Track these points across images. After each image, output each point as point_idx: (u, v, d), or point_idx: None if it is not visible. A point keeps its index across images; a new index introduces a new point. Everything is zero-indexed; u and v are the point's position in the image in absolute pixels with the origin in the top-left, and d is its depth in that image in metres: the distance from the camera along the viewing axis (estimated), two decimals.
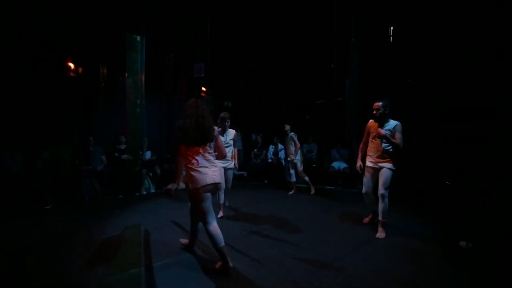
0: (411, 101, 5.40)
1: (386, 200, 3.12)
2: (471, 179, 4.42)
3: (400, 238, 3.05)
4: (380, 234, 3.14)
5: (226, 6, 7.29)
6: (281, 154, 7.08)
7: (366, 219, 3.64)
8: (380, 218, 3.17)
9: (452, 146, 4.74)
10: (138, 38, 5.42)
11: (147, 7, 5.82)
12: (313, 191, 5.56)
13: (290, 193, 5.61)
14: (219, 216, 3.78)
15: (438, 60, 5.24)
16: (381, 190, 3.11)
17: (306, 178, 5.58)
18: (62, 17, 5.26)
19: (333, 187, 6.24)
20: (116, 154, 5.59)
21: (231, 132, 3.87)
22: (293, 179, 5.60)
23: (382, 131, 3.10)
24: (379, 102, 3.18)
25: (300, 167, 5.52)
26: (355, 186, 6.05)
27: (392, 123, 3.16)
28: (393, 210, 4.02)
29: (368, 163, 3.29)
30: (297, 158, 5.42)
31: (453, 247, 2.68)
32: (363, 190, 3.36)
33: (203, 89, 7.55)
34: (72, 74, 5.65)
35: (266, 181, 7.14)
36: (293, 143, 5.34)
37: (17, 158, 4.67)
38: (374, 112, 3.22)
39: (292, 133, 5.37)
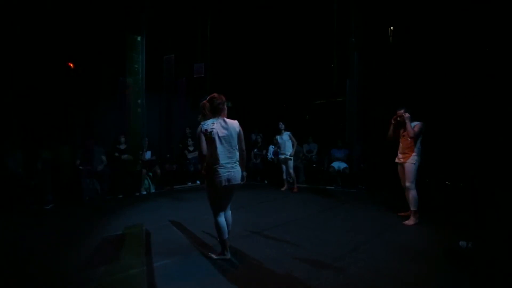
0: (411, 101, 5.40)
1: (413, 192, 3.48)
2: (472, 179, 4.43)
3: (400, 238, 3.05)
4: (408, 221, 3.50)
5: (226, 6, 7.30)
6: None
7: (403, 213, 3.84)
8: (411, 207, 3.51)
9: (453, 146, 4.75)
10: (138, 38, 5.42)
11: (147, 7, 5.83)
12: (296, 190, 5.84)
13: (294, 191, 5.76)
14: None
15: (438, 60, 5.24)
16: (406, 183, 3.53)
17: (293, 176, 5.87)
18: (62, 17, 5.26)
19: (333, 187, 6.24)
20: (116, 154, 5.59)
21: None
22: (292, 175, 5.86)
23: (406, 115, 3.51)
24: (401, 109, 3.58)
25: (292, 165, 5.82)
26: (355, 186, 6.06)
27: (412, 124, 3.52)
28: (393, 210, 4.03)
29: (396, 160, 3.72)
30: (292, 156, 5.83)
31: (453, 247, 2.68)
32: (401, 183, 3.73)
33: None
34: (72, 74, 5.65)
35: (266, 181, 7.15)
36: (291, 140, 5.72)
37: (17, 158, 4.66)
38: (399, 119, 3.60)
39: (288, 132, 5.76)
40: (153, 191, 5.88)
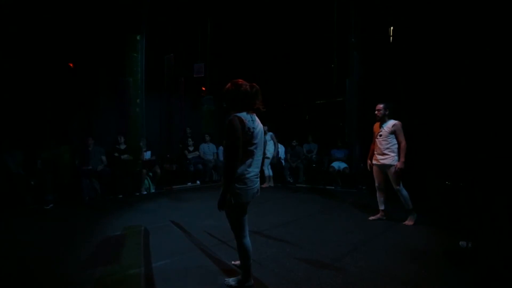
0: (411, 101, 5.40)
1: (402, 192, 3.44)
2: (472, 179, 4.42)
3: (400, 238, 3.05)
4: (408, 221, 3.48)
5: (226, 6, 7.29)
6: (281, 154, 7.08)
7: (372, 217, 3.77)
8: (406, 207, 3.48)
9: (452, 146, 4.74)
10: (138, 37, 5.40)
11: (147, 7, 5.81)
12: (266, 186, 6.36)
13: (264, 186, 6.23)
14: None
15: (438, 60, 5.24)
16: (394, 187, 3.46)
17: (267, 174, 6.42)
18: (62, 17, 5.26)
19: (333, 187, 6.24)
20: (116, 154, 5.59)
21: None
22: (270, 173, 6.41)
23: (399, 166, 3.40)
24: (381, 104, 3.49)
25: (267, 163, 6.39)
26: (355, 186, 6.06)
27: (390, 122, 3.44)
28: (393, 210, 4.03)
29: (374, 161, 3.66)
30: (282, 154, 6.59)
31: (453, 247, 2.68)
32: (375, 184, 3.72)
33: (203, 89, 7.56)
34: (72, 74, 5.64)
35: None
36: (272, 141, 6.31)
37: (17, 158, 4.67)
38: (376, 112, 3.52)
39: (271, 133, 6.30)
40: (153, 191, 5.88)
